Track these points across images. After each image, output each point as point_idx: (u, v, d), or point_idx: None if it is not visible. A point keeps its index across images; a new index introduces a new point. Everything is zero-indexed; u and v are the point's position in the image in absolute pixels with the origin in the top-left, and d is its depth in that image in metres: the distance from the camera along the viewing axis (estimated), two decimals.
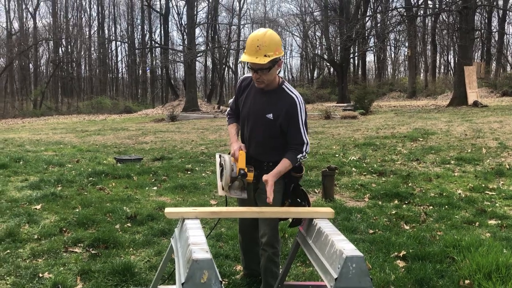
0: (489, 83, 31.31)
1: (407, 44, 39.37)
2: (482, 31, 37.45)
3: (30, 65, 47.04)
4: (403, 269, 3.81)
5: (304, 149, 2.98)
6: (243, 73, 57.37)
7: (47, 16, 53.00)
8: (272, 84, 2.98)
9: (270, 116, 2.96)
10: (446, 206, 5.65)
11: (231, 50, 44.76)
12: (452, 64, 46.46)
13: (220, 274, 2.95)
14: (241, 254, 3.56)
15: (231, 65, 49.74)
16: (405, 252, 4.10)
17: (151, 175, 7.70)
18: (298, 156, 2.97)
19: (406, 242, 4.37)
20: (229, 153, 3.08)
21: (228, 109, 3.35)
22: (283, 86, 3.01)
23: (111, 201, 5.90)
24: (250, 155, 3.06)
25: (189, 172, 8.00)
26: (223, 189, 2.96)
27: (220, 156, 3.02)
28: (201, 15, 50.04)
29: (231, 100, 3.33)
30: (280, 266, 3.26)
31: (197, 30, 41.40)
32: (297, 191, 3.11)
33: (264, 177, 2.88)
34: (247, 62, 2.85)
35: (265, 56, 2.77)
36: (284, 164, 2.93)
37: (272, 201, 2.82)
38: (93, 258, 4.01)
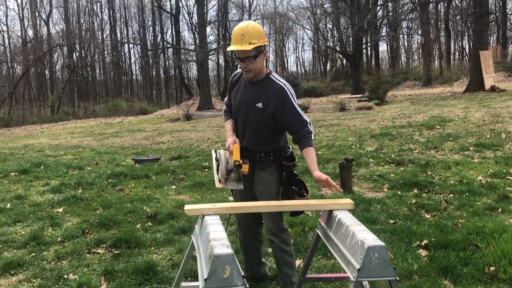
0: (506, 67, 30.73)
1: (420, 32, 38.81)
2: (497, 14, 36.68)
3: (46, 71, 47.70)
4: (426, 258, 3.78)
5: (311, 128, 3.03)
6: None
7: (60, 22, 53.71)
8: (260, 74, 3.06)
9: (260, 105, 3.03)
10: (467, 193, 5.58)
11: None
12: (467, 49, 45.76)
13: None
14: (242, 253, 3.48)
15: None
16: (427, 241, 4.06)
17: (169, 174, 7.76)
18: (311, 138, 3.02)
19: (428, 231, 4.33)
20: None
21: (225, 106, 3.42)
22: (271, 76, 3.10)
23: (131, 201, 5.96)
24: (243, 146, 3.13)
25: (206, 170, 8.04)
26: (220, 181, 3.09)
27: (215, 151, 3.16)
28: (212, 13, 50.08)
29: (226, 98, 3.43)
30: (298, 259, 3.25)
31: (208, 29, 41.50)
32: (292, 179, 3.13)
33: (317, 176, 2.89)
34: (235, 54, 2.99)
35: (249, 43, 2.89)
36: (311, 154, 2.98)
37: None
38: (116, 258, 4.06)
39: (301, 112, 3.05)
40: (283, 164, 3.12)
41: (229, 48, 2.95)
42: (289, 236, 3.27)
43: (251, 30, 2.91)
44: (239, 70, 3.21)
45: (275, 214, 3.12)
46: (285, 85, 3.06)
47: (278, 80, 3.08)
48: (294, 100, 3.04)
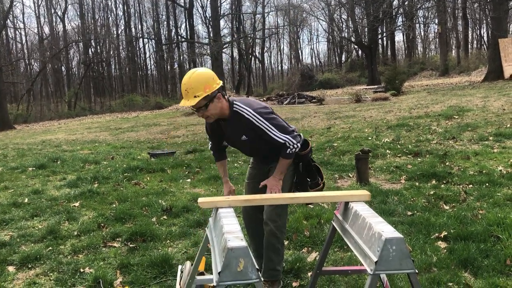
0: None
1: (436, 21, 38.22)
2: None
3: (63, 67, 48.20)
4: (445, 250, 3.70)
5: (289, 145, 3.03)
6: (269, 62, 57.16)
7: (76, 18, 54.20)
8: (223, 113, 3.03)
9: (244, 137, 3.10)
10: (487, 184, 5.45)
11: (256, 40, 44.59)
12: (485, 38, 44.84)
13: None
14: (251, 243, 3.45)
15: (257, 54, 49.60)
16: (446, 233, 3.98)
17: (184, 167, 7.76)
18: (288, 151, 3.05)
19: (447, 222, 4.24)
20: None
21: (209, 144, 3.44)
22: (234, 108, 3.03)
23: (146, 195, 5.98)
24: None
25: None
26: None
27: (183, 265, 3.23)
28: (225, 6, 50.02)
29: (208, 138, 3.48)
30: (315, 251, 3.20)
31: (222, 22, 41.46)
32: (309, 168, 3.18)
33: (268, 185, 3.09)
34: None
35: (194, 97, 2.87)
36: (282, 163, 3.09)
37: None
38: (131, 251, 4.07)
39: (277, 133, 3.01)
40: (299, 154, 3.12)
41: (180, 103, 2.99)
42: (285, 223, 3.28)
43: (193, 83, 2.88)
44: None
45: None
46: (249, 114, 3.00)
47: (242, 111, 3.02)
48: (265, 124, 3.00)
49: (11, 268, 3.84)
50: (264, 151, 3.19)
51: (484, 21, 42.94)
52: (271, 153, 3.14)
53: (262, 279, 1.92)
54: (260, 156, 3.30)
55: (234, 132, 3.12)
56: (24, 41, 48.81)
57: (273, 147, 3.08)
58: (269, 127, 3.01)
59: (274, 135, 3.01)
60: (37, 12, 48.76)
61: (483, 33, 46.69)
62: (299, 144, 3.06)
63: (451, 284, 3.16)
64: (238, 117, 3.02)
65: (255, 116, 2.99)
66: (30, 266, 3.86)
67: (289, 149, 3.04)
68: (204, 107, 2.93)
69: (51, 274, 3.69)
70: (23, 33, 49.03)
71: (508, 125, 9.02)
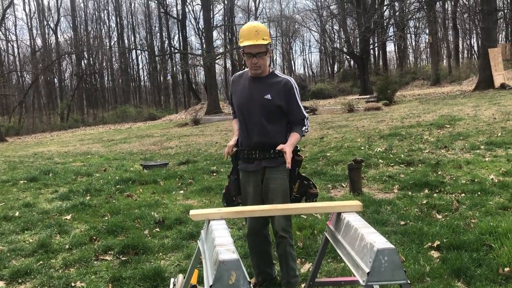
0: None
1: (427, 31, 38.57)
2: (505, 11, 36.31)
3: (55, 79, 48.10)
4: (438, 260, 3.70)
5: (306, 123, 3.25)
6: None
7: (68, 30, 54.06)
8: (265, 71, 3.21)
9: (269, 96, 3.14)
10: (479, 193, 5.48)
11: None
12: (475, 47, 45.36)
13: (249, 274, 2.91)
14: (253, 259, 3.46)
15: None
16: (439, 242, 3.98)
17: (177, 179, 7.73)
18: (303, 129, 3.23)
19: (440, 231, 4.25)
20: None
21: (231, 107, 3.52)
22: (275, 72, 3.26)
23: (139, 207, 5.94)
24: (254, 143, 3.20)
25: (214, 174, 8.00)
26: None
27: (175, 277, 3.30)
28: (218, 18, 50.17)
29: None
30: (308, 262, 3.20)
31: (215, 33, 41.52)
32: (300, 175, 3.27)
33: (281, 146, 3.07)
34: (243, 50, 3.11)
35: (263, 39, 3.06)
36: (295, 137, 3.17)
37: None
38: (123, 265, 4.03)
39: (302, 107, 3.25)
40: (295, 159, 3.15)
41: (246, 44, 3.06)
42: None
43: (262, 28, 3.10)
44: (239, 72, 3.38)
45: None
46: (290, 79, 3.22)
47: (283, 76, 3.25)
48: (298, 95, 3.22)
49: (1, 283, 3.78)
50: (270, 126, 3.16)
51: (474, 31, 43.48)
52: (274, 131, 3.16)
53: None
54: (262, 132, 3.17)
55: (260, 89, 3.17)
56: (16, 53, 48.75)
57: (279, 129, 3.18)
58: (299, 98, 3.23)
59: (300, 107, 3.22)
60: (29, 24, 48.76)
61: (474, 43, 47.26)
62: (308, 129, 3.28)
63: None
64: (276, 78, 3.20)
65: (295, 84, 3.21)
66: (20, 281, 3.81)
67: (304, 127, 3.23)
68: (264, 53, 3.10)
69: None
70: (15, 45, 49.00)
71: (499, 134, 9.09)
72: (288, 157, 3.01)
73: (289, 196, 3.22)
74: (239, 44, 3.14)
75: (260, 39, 3.04)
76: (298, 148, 3.26)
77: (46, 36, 48.11)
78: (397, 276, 1.97)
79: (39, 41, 48.37)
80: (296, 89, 3.20)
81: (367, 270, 1.97)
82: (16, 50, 49.14)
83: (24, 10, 74.95)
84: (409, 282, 2.03)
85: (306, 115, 3.26)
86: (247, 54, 3.10)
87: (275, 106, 3.14)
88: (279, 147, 3.06)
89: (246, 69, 3.31)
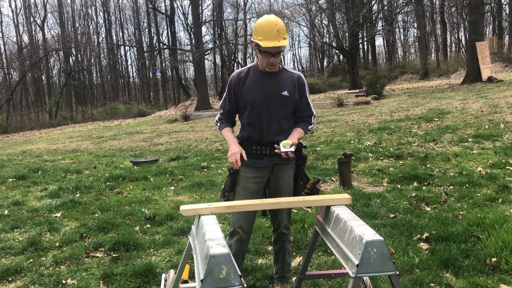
0: (503, 57, 30.62)
1: (416, 25, 38.76)
2: (492, 4, 36.59)
3: (43, 76, 47.62)
4: (427, 251, 3.75)
5: (313, 120, 3.20)
6: None
7: (55, 27, 53.65)
8: (278, 66, 3.11)
9: (285, 93, 3.03)
10: (467, 185, 5.55)
11: (238, 46, 44.68)
12: (463, 41, 45.68)
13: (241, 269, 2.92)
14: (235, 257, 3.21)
15: (240, 60, 49.64)
16: (428, 234, 4.03)
17: (167, 175, 7.72)
18: (309, 127, 3.17)
19: (428, 223, 4.30)
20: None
21: (219, 114, 3.21)
22: (284, 68, 3.16)
23: (129, 203, 5.92)
24: (269, 140, 3.02)
25: (205, 170, 8.00)
26: None
27: (166, 272, 3.23)
28: (207, 13, 49.94)
29: (220, 104, 3.22)
30: (299, 256, 3.22)
31: (204, 29, 41.46)
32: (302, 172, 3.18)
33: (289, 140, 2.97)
34: (260, 48, 2.89)
35: (284, 38, 2.92)
36: (299, 133, 3.08)
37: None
38: (114, 261, 4.03)
39: (311, 103, 3.18)
40: (302, 154, 3.13)
41: (270, 45, 2.85)
42: None
43: (282, 26, 2.91)
44: (241, 68, 3.17)
45: (290, 209, 3.21)
46: (301, 74, 3.16)
47: (294, 71, 3.18)
48: (308, 91, 3.17)
49: None
50: (284, 122, 3.05)
51: (462, 25, 43.73)
52: (287, 127, 3.07)
53: (245, 285, 1.91)
54: (277, 129, 3.03)
55: (276, 85, 3.02)
56: (2, 50, 48.09)
57: (291, 125, 3.10)
58: (309, 94, 3.15)
59: (310, 104, 3.15)
60: (15, 20, 48.16)
61: (461, 37, 47.56)
62: (314, 126, 3.23)
63: (433, 284, 3.20)
64: (288, 74, 3.10)
65: (305, 80, 3.15)
66: (10, 279, 3.79)
67: (310, 126, 3.17)
68: (281, 52, 3.00)
69: (32, 286, 3.63)
70: (1, 42, 48.31)
71: (487, 127, 9.18)
72: (293, 144, 2.93)
73: (298, 193, 3.10)
74: (255, 41, 2.90)
75: (282, 39, 2.88)
76: (304, 144, 3.16)
77: (33, 32, 47.62)
78: (386, 267, 2.00)
79: (25, 38, 47.89)
80: (306, 84, 3.14)
81: (357, 262, 1.99)
82: (2, 47, 48.46)
83: (10, 6, 73.91)
84: (398, 273, 2.06)
85: (314, 112, 3.19)
86: (264, 53, 2.91)
87: (291, 102, 3.04)
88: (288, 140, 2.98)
89: (245, 67, 3.16)
